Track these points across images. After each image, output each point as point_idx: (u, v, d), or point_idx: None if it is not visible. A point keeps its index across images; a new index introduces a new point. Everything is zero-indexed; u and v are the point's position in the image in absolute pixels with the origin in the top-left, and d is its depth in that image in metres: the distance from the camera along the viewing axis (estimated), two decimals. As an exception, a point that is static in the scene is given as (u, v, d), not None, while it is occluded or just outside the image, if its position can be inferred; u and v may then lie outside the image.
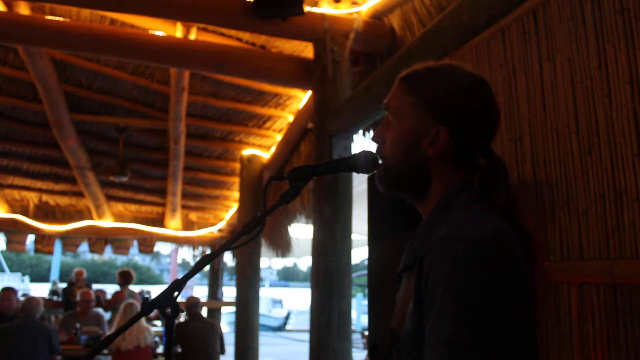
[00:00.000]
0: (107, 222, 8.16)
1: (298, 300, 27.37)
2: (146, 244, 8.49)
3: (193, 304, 4.99)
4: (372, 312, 2.82)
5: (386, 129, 1.06)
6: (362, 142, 4.60)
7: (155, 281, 38.36)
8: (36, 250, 8.13)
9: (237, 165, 7.09)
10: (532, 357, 0.87)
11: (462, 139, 1.00)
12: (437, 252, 0.87)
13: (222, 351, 4.97)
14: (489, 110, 1.04)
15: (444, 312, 0.81)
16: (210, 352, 4.75)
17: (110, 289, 7.98)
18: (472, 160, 1.02)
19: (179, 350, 4.70)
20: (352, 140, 4.00)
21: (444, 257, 0.84)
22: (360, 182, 3.96)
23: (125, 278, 6.89)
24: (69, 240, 8.34)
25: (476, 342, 0.78)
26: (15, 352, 4.14)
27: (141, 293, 7.96)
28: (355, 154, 1.10)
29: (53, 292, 9.00)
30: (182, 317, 5.94)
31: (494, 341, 0.78)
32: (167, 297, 0.99)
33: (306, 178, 1.10)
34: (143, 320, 4.84)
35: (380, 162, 1.06)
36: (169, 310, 0.99)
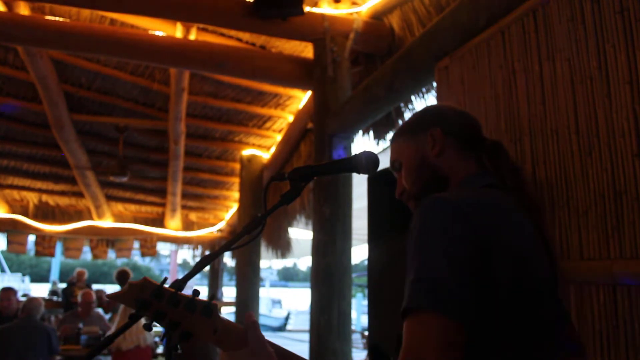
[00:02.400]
0: (107, 223, 8.16)
1: (298, 300, 27.36)
2: (148, 246, 8.48)
3: None
4: (372, 312, 2.82)
5: (400, 180, 1.22)
6: (362, 142, 4.62)
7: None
8: (37, 253, 8.11)
9: (237, 166, 7.10)
10: (509, 314, 0.93)
11: (456, 132, 1.16)
12: (418, 209, 0.99)
13: None
14: (461, 110, 1.23)
15: (411, 257, 0.94)
16: (209, 352, 4.74)
17: (110, 289, 7.98)
18: (476, 149, 1.17)
19: (179, 351, 4.69)
20: (352, 140, 4.00)
21: (416, 214, 0.98)
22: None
23: (122, 278, 6.89)
24: (71, 245, 8.32)
25: (434, 279, 0.89)
26: (15, 352, 4.14)
27: None
28: (355, 155, 1.11)
29: (53, 293, 9.01)
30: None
31: (449, 281, 0.88)
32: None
33: (307, 178, 1.10)
34: (143, 320, 4.83)
35: (409, 203, 1.20)
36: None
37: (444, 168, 1.15)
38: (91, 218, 8.12)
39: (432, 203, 0.98)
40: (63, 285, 9.11)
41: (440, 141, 1.15)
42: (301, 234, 7.50)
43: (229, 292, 10.29)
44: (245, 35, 4.93)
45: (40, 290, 15.83)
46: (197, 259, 6.38)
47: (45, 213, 8.08)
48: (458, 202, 0.97)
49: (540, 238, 1.06)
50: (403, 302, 0.90)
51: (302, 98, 5.60)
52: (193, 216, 8.76)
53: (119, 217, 8.36)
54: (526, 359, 0.95)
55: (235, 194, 7.82)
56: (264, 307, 20.05)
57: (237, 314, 6.55)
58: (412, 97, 3.95)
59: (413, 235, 0.96)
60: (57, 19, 4.47)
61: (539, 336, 0.97)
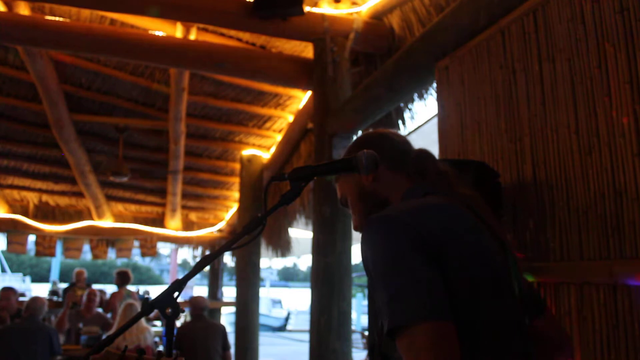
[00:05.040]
0: (107, 223, 8.16)
1: (298, 300, 27.38)
2: (148, 247, 8.48)
3: (197, 305, 4.98)
4: (372, 312, 2.82)
5: (352, 214, 1.27)
6: (358, 135, 4.62)
7: (155, 281, 38.37)
8: (37, 253, 8.11)
9: (237, 166, 7.09)
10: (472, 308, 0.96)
11: (384, 155, 1.19)
12: (364, 231, 1.04)
13: (226, 348, 4.93)
14: (383, 132, 1.29)
15: (375, 280, 0.98)
16: (211, 354, 4.74)
17: (110, 289, 7.99)
18: (406, 164, 1.22)
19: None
20: (352, 140, 4.00)
21: (364, 235, 1.03)
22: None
23: (122, 278, 6.89)
24: (71, 245, 8.32)
25: (403, 295, 0.93)
26: (14, 353, 4.12)
27: (137, 292, 7.97)
28: (355, 154, 1.11)
29: (53, 292, 9.00)
30: (182, 318, 5.92)
31: (416, 291, 0.92)
32: (167, 298, 0.99)
33: (307, 178, 1.11)
34: (143, 320, 4.83)
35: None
36: (169, 310, 0.99)
37: (381, 191, 1.21)
38: (91, 218, 8.12)
39: (374, 222, 1.02)
40: (63, 285, 9.11)
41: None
42: (301, 234, 7.50)
43: (229, 292, 10.30)
44: (245, 35, 4.93)
45: (41, 291, 15.83)
46: (197, 259, 6.37)
47: (45, 213, 8.07)
48: (397, 215, 1.02)
49: (488, 231, 1.10)
50: (385, 324, 0.93)
51: (302, 98, 5.60)
52: (193, 216, 8.76)
53: (119, 217, 8.36)
54: (490, 354, 0.97)
55: (235, 194, 7.82)
56: (264, 307, 20.04)
57: (237, 313, 6.55)
58: (413, 97, 3.96)
59: (368, 259, 1.00)
60: (57, 19, 4.47)
61: (501, 331, 0.99)
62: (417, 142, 1.33)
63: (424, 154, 1.25)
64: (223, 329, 4.95)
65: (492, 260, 1.04)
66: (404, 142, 1.28)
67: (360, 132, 4.30)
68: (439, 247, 0.97)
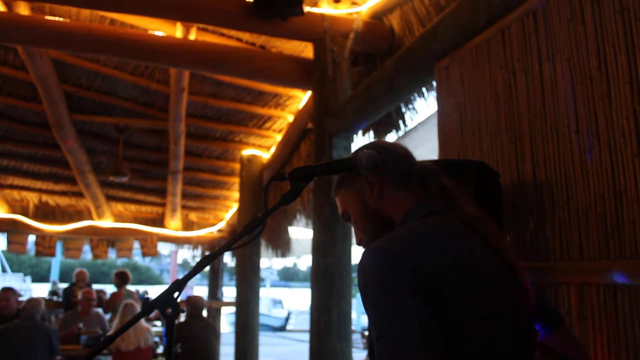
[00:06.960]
0: (107, 223, 8.16)
1: (298, 300, 27.39)
2: (148, 246, 8.48)
3: (195, 305, 4.98)
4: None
5: (355, 228, 1.23)
6: (362, 142, 4.61)
7: (155, 281, 38.38)
8: (37, 253, 8.10)
9: (237, 166, 7.09)
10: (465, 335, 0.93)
11: (389, 169, 1.15)
12: (359, 263, 1.01)
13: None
14: (386, 143, 1.24)
15: (368, 315, 0.96)
16: (209, 352, 4.74)
17: (110, 289, 7.99)
18: (410, 179, 1.17)
19: (179, 350, 4.70)
20: (352, 140, 3.99)
21: (359, 267, 1.00)
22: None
23: (121, 278, 6.89)
24: (71, 245, 8.32)
25: (392, 332, 0.91)
26: (14, 353, 4.12)
27: (137, 293, 7.98)
28: (355, 154, 1.11)
29: (53, 293, 9.01)
30: (182, 317, 5.93)
31: (404, 328, 0.90)
32: (167, 298, 0.99)
33: (307, 178, 1.10)
34: (143, 320, 4.84)
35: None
36: (169, 310, 0.99)
37: (386, 209, 1.16)
38: (91, 218, 8.12)
39: (368, 256, 0.99)
40: (63, 285, 9.11)
41: (377, 183, 1.16)
42: (301, 234, 7.50)
43: (229, 292, 10.30)
44: (245, 35, 4.93)
45: (41, 291, 15.83)
46: (197, 259, 6.37)
47: (45, 213, 8.07)
48: (393, 247, 0.99)
49: (490, 250, 1.06)
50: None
51: (302, 98, 5.59)
52: (193, 216, 8.76)
53: (119, 217, 8.36)
54: None
55: (235, 194, 7.82)
56: (264, 307, 20.04)
57: (237, 313, 6.55)
58: (412, 97, 3.96)
59: (361, 292, 0.98)
60: (57, 19, 4.47)
61: (511, 353, 0.97)
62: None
63: (428, 167, 1.21)
64: (218, 328, 4.96)
65: (496, 290, 1.00)
66: (407, 155, 1.22)
67: (360, 132, 4.31)
68: (437, 281, 0.94)
